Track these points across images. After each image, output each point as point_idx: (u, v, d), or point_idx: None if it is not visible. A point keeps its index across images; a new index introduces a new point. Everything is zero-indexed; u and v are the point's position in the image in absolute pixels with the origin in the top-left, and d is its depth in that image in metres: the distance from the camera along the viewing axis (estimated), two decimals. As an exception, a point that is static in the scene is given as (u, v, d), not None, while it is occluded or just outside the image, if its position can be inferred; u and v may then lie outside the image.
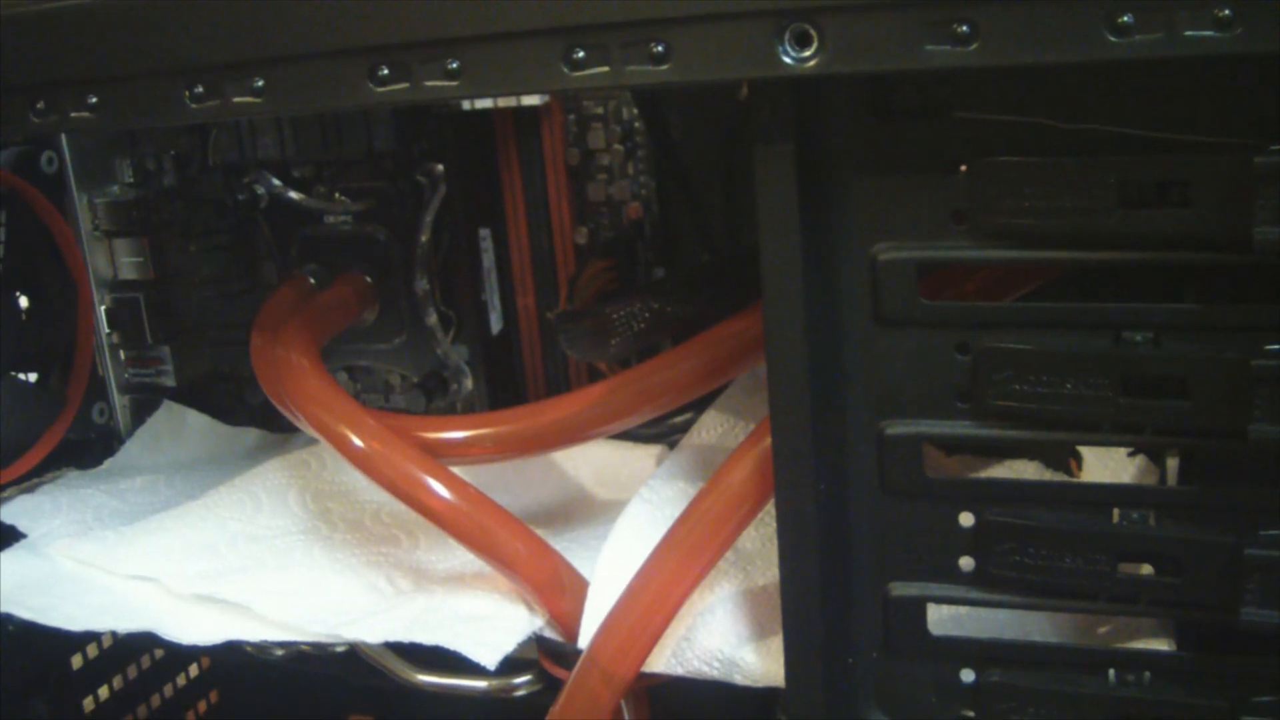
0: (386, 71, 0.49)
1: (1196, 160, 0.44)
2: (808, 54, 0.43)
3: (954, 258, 0.48)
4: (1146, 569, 0.50)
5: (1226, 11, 0.39)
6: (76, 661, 0.89)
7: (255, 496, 0.81)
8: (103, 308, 0.90)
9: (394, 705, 0.97)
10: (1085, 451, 0.66)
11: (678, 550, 0.58)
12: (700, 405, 0.72)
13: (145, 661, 0.94)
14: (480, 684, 0.70)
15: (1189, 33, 0.40)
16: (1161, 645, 0.54)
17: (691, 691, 0.62)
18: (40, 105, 0.55)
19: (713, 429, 0.73)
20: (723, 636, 0.60)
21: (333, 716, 1.02)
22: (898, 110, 0.48)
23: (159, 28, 0.52)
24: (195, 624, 0.71)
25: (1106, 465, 0.65)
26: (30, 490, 0.86)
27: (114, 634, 0.86)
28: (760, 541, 0.63)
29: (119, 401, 0.93)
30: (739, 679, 0.59)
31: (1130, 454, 0.64)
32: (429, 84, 0.49)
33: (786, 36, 0.43)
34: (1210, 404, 0.46)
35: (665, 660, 0.60)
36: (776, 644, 0.55)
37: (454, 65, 0.48)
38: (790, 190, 0.47)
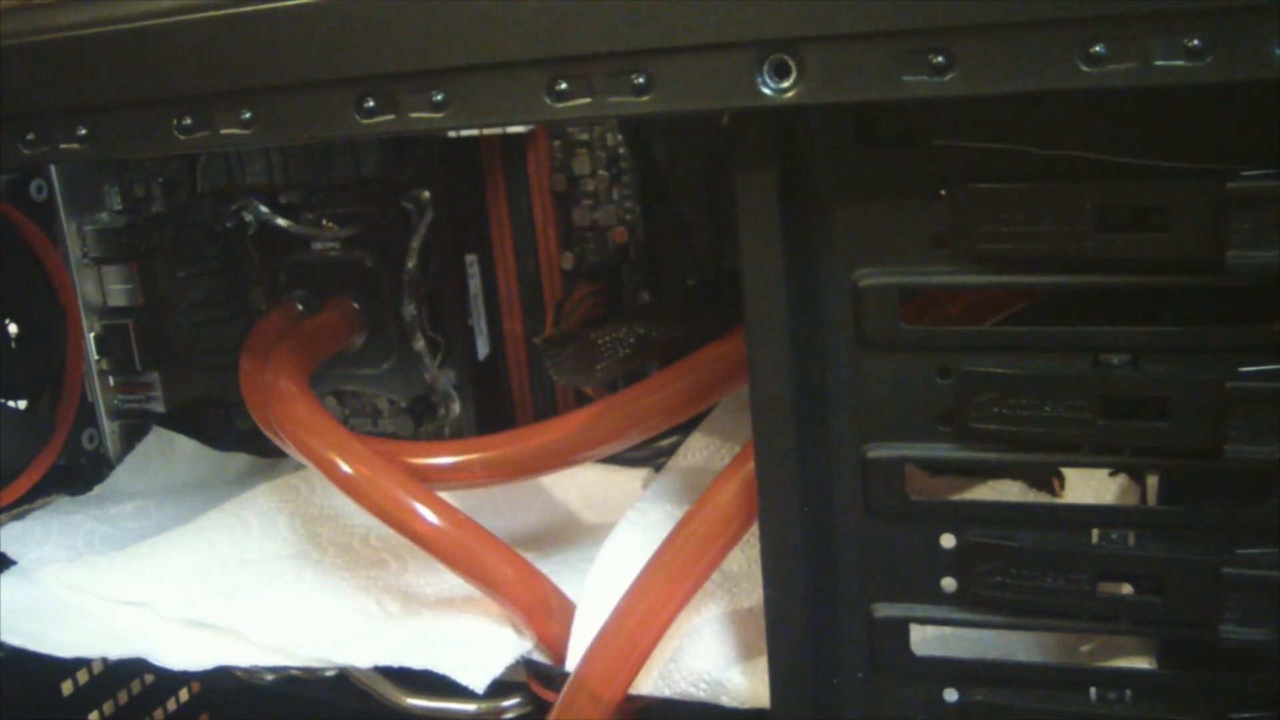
0: (373, 103, 0.50)
1: (1172, 186, 0.45)
2: (787, 84, 0.44)
3: (935, 283, 0.49)
4: (1127, 588, 0.50)
5: (1196, 42, 0.40)
6: (67, 688, 0.89)
7: (245, 521, 0.81)
8: (92, 334, 0.91)
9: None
10: (1068, 471, 0.67)
11: (664, 572, 0.59)
12: (686, 428, 0.73)
13: (135, 686, 0.94)
14: (469, 707, 0.70)
15: (1160, 62, 0.41)
16: (1143, 663, 0.54)
17: (679, 714, 0.63)
18: (30, 136, 0.56)
19: (698, 452, 0.73)
20: (709, 658, 0.60)
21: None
22: (879, 138, 0.49)
23: (147, 59, 0.52)
24: (186, 649, 0.71)
25: (1089, 484, 0.66)
26: (20, 516, 0.86)
27: (105, 660, 0.86)
28: (746, 563, 0.64)
29: (109, 427, 0.94)
30: (726, 700, 0.60)
31: (1112, 473, 0.65)
32: (415, 115, 0.49)
33: (766, 67, 0.44)
34: (1187, 425, 0.47)
35: (653, 682, 0.61)
36: (763, 665, 0.56)
37: (439, 97, 0.49)
38: (772, 217, 0.48)
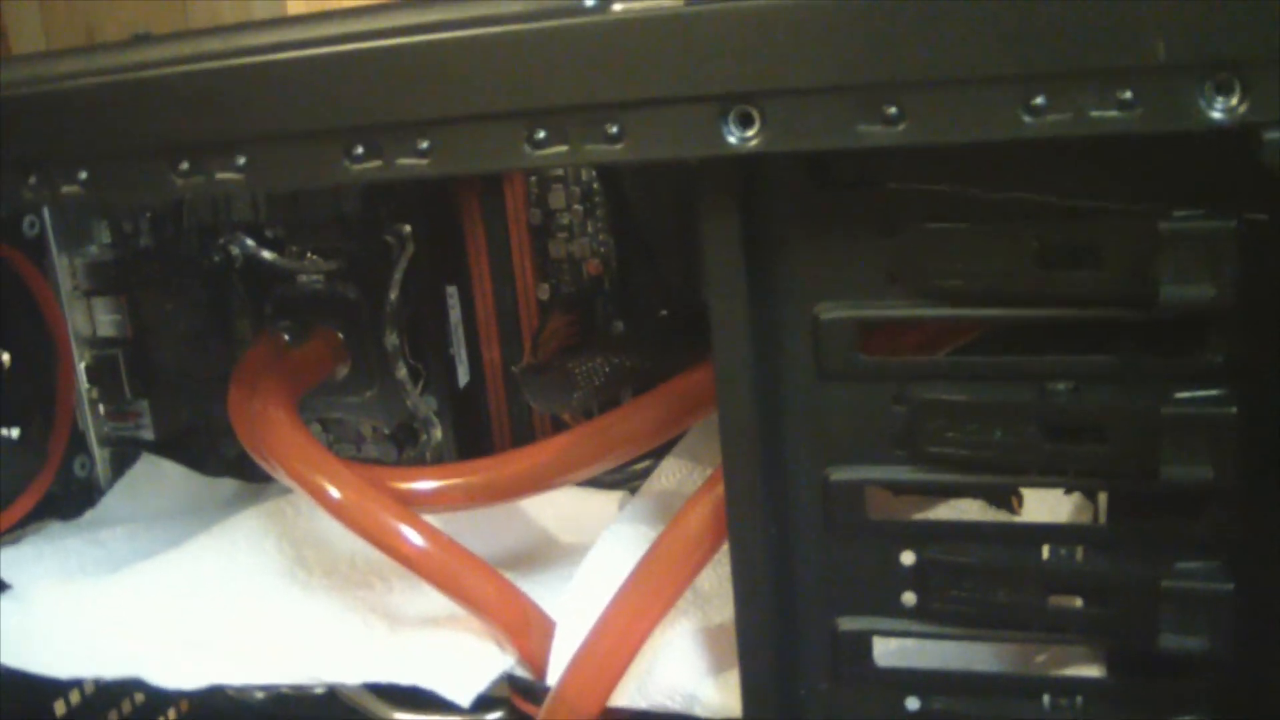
0: (361, 150, 0.52)
1: (1107, 226, 0.49)
2: (750, 134, 0.47)
3: (890, 316, 0.52)
4: (1077, 601, 0.54)
5: (1128, 94, 0.43)
6: (60, 708, 0.90)
7: (234, 544, 0.83)
8: (82, 364, 0.93)
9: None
10: (1026, 490, 0.70)
11: (640, 591, 0.62)
12: (660, 453, 0.76)
13: (126, 706, 0.96)
14: (455, 721, 0.73)
15: (1095, 113, 0.44)
16: (1093, 671, 0.57)
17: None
18: (32, 180, 0.58)
19: (671, 475, 0.76)
20: (683, 671, 0.63)
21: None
22: (836, 181, 0.52)
23: (148, 108, 0.55)
24: (178, 669, 0.74)
25: (1044, 501, 0.69)
26: (14, 541, 0.88)
27: (97, 680, 0.88)
28: (717, 581, 0.66)
29: (99, 454, 0.96)
30: (699, 711, 0.62)
31: (1066, 492, 0.68)
32: (401, 162, 0.52)
33: (730, 118, 0.47)
34: (1126, 448, 0.50)
35: (629, 695, 0.63)
36: (734, 678, 0.58)
37: (424, 145, 0.51)
38: (736, 256, 0.51)
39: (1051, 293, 0.50)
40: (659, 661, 0.63)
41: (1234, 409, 0.48)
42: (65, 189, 0.58)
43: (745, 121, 0.47)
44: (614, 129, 0.49)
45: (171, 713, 1.00)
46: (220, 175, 0.55)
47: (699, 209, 0.51)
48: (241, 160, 0.54)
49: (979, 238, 0.50)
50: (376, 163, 0.52)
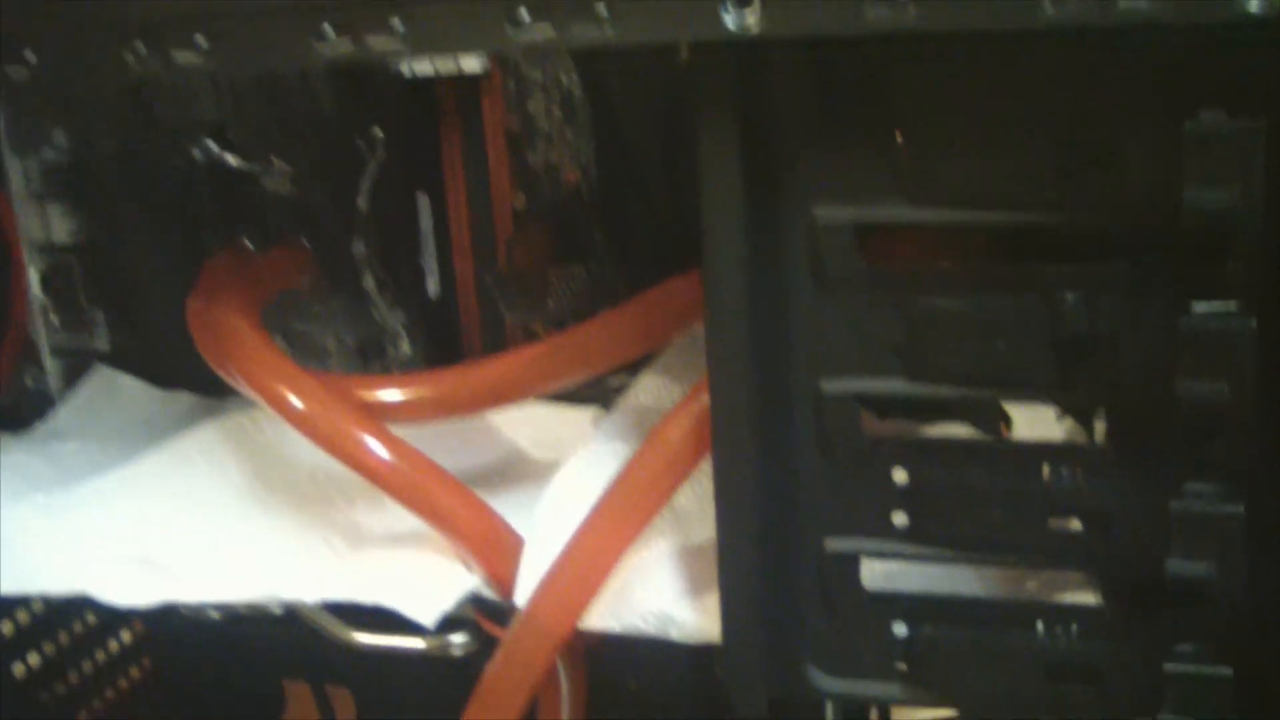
0: (331, 30, 0.49)
1: (1129, 128, 0.46)
2: (749, 15, 0.44)
3: (892, 220, 0.49)
4: (1076, 524, 0.51)
5: (1159, -21, 0.40)
6: (7, 628, 0.88)
7: (190, 459, 0.80)
8: (35, 271, 0.89)
9: (329, 672, 0.96)
10: (1015, 415, 0.67)
11: (615, 508, 0.59)
12: (637, 367, 0.73)
13: (77, 627, 0.93)
14: (417, 643, 0.70)
15: (1122, 2, 0.41)
16: (1087, 599, 0.55)
17: (628, 654, 0.63)
18: (-25, 63, 0.55)
19: (649, 391, 0.73)
20: (659, 593, 0.61)
21: (267, 684, 1.01)
22: (839, 76, 0.49)
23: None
24: (129, 586, 0.71)
25: (1034, 428, 0.66)
26: (-39, 455, 0.85)
27: (45, 599, 0.86)
28: (696, 499, 0.64)
29: (51, 366, 0.92)
30: (674, 634, 0.60)
31: (1059, 417, 0.65)
32: (373, 41, 0.49)
33: (729, -3, 0.44)
34: (1139, 362, 0.47)
35: (602, 617, 0.61)
36: (712, 600, 0.56)
37: (399, 24, 0.48)
38: (731, 153, 0.48)
39: (1067, 199, 0.47)
40: (633, 582, 0.61)
41: (1254, 323, 0.46)
42: (9, 68, 0.54)
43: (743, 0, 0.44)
44: (603, 8, 0.45)
45: (125, 634, 0.98)
46: (178, 56, 0.52)
47: (693, 101, 0.48)
48: (201, 40, 0.51)
49: (990, 135, 0.47)
50: (347, 43, 0.49)
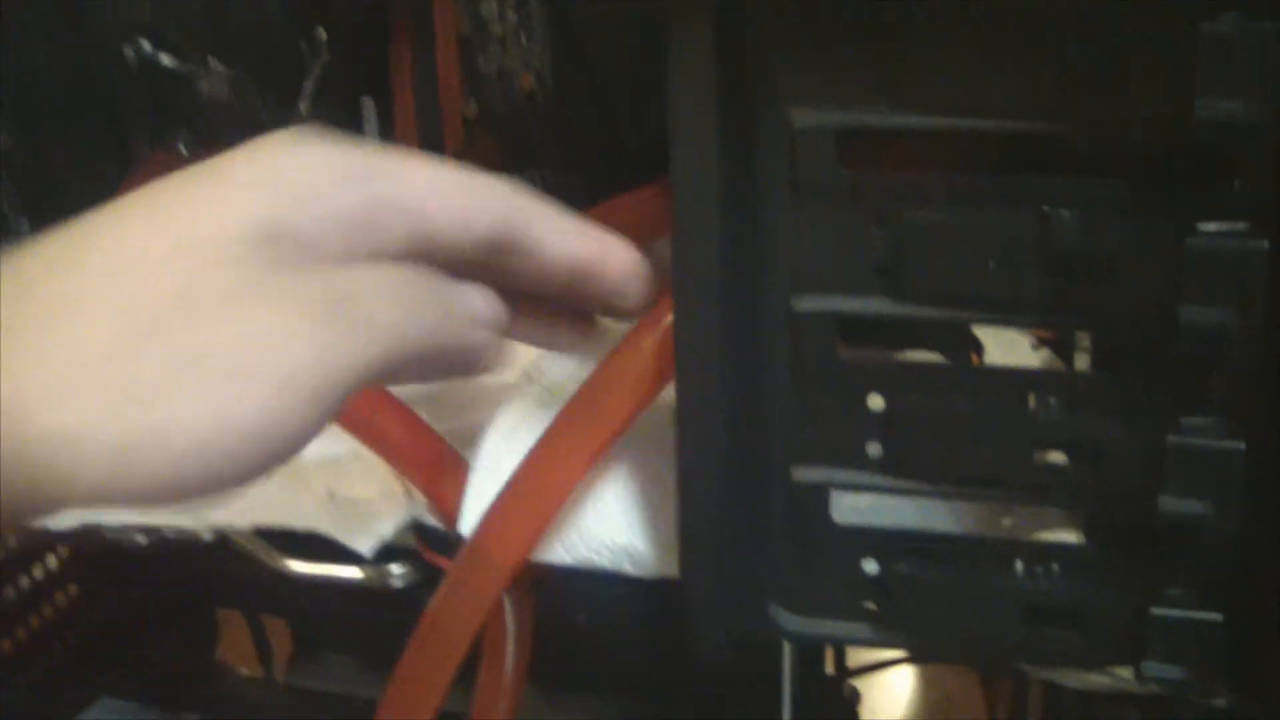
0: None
1: (1137, 36, 0.42)
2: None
3: (877, 125, 0.45)
4: (1060, 457, 0.48)
5: None
6: (-69, 553, 0.84)
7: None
8: (-41, 176, 0.85)
9: (264, 601, 0.93)
10: (989, 346, 0.64)
11: (568, 433, 0.55)
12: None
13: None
14: (355, 572, 0.67)
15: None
16: (1068, 537, 0.52)
17: (578, 587, 0.60)
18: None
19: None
20: (614, 525, 0.57)
21: (200, 612, 0.98)
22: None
23: None
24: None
25: (1010, 358, 0.63)
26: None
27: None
28: (657, 424, 0.61)
29: (-27, 275, 0.88)
30: (629, 568, 0.57)
31: (1035, 347, 0.62)
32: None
33: None
34: (1139, 285, 0.44)
35: (553, 549, 0.58)
36: (671, 534, 0.53)
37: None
38: (705, 50, 0.44)
39: (1066, 110, 0.43)
40: (587, 512, 0.58)
41: (1264, 243, 0.42)
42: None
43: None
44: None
45: (52, 559, 0.94)
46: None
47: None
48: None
49: (986, 44, 0.43)
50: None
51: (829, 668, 0.82)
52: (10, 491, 0.34)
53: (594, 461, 0.55)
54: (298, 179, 0.39)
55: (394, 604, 0.66)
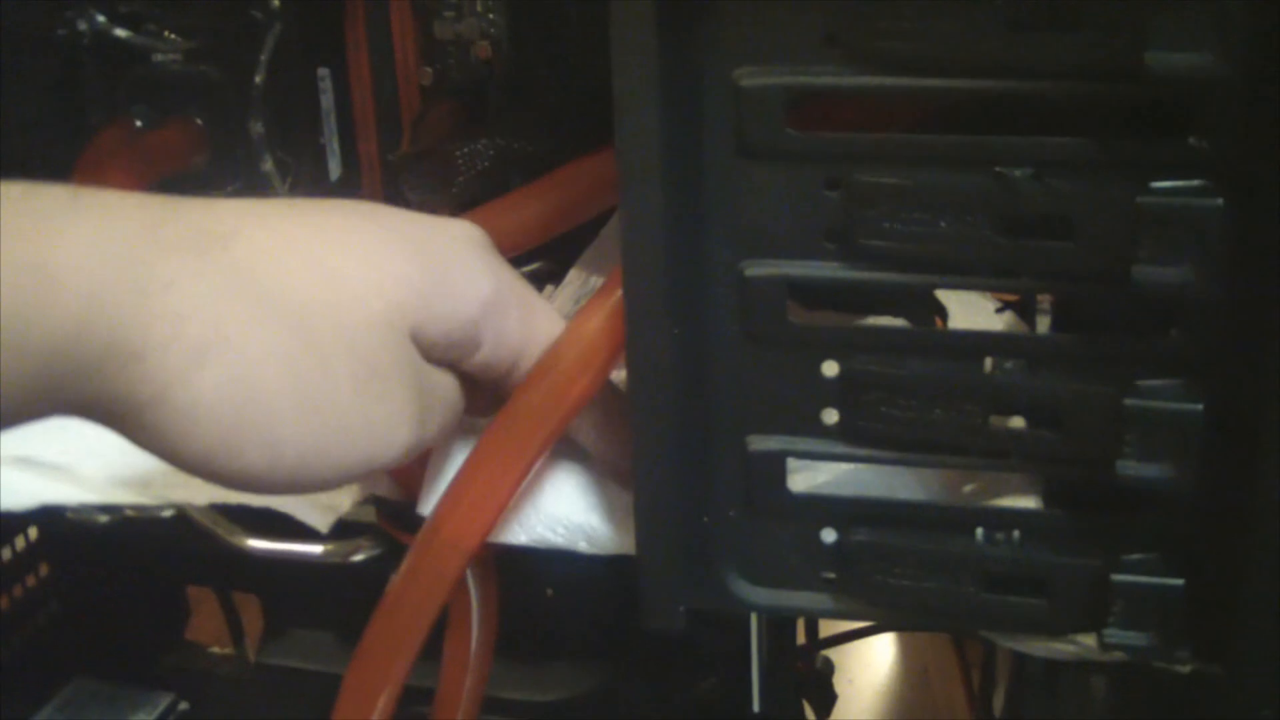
0: None
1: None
2: None
3: (824, 85, 0.44)
4: (1019, 422, 0.47)
5: None
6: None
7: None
8: (-94, 151, 0.84)
9: (233, 576, 0.93)
10: (953, 309, 0.63)
11: (524, 413, 0.54)
12: (552, 252, 0.68)
13: (-34, 535, 0.89)
14: (315, 549, 0.66)
15: None
16: (1029, 503, 0.51)
17: (544, 560, 0.59)
18: None
19: (573, 284, 0.69)
20: (570, 503, 0.56)
21: (170, 590, 0.98)
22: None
23: None
24: (8, 489, 0.66)
25: (973, 321, 0.62)
26: None
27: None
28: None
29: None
30: (584, 547, 0.56)
31: (998, 310, 0.61)
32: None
33: None
34: (1094, 244, 0.43)
35: (510, 529, 0.56)
36: (626, 511, 0.52)
37: None
38: (648, 11, 0.43)
39: (1017, 61, 0.42)
40: (543, 491, 0.56)
41: (1220, 201, 0.41)
42: None
43: None
44: None
45: (20, 541, 0.94)
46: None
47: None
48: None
49: (935, -8, 0.42)
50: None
51: (800, 638, 0.81)
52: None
53: (551, 440, 0.54)
54: (453, 293, 0.47)
55: (365, 579, 0.66)
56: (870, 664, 1.09)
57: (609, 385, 0.53)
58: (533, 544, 0.56)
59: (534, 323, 0.51)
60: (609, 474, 0.55)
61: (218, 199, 0.44)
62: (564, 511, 0.56)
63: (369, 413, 0.44)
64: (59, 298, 0.36)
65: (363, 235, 0.46)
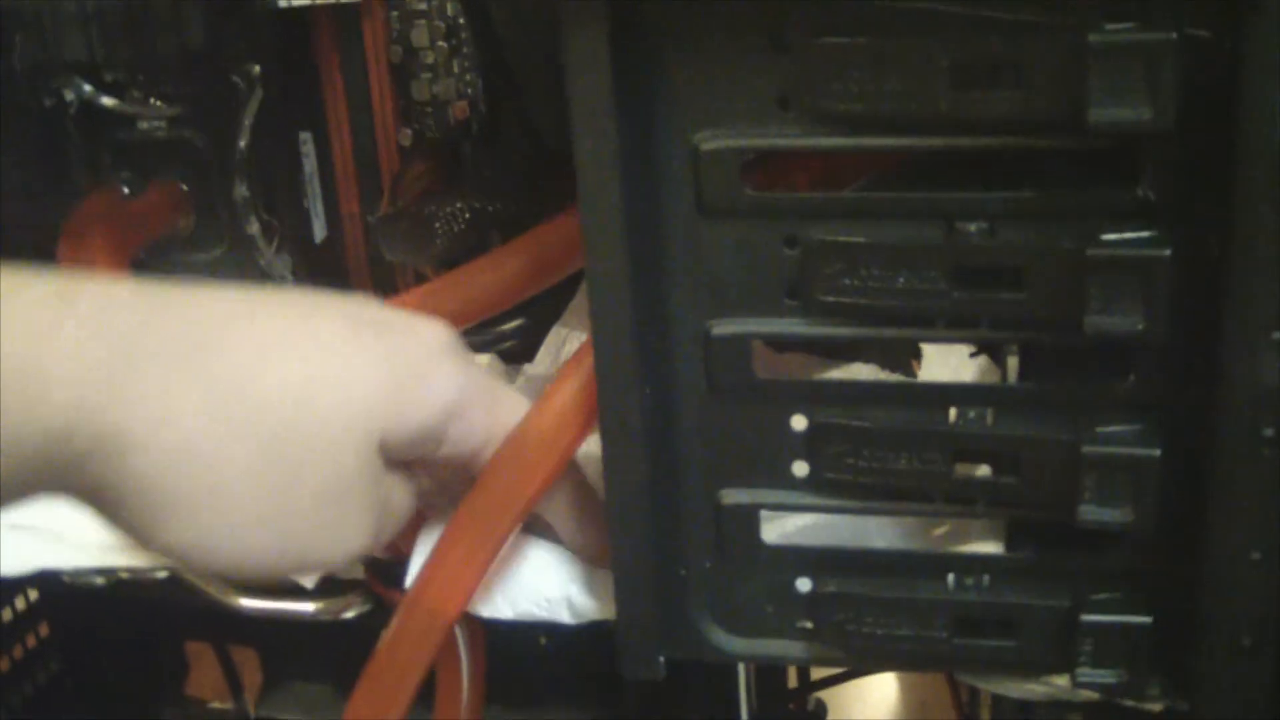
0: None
1: (1030, 39, 0.42)
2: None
3: (779, 146, 0.46)
4: (984, 469, 0.48)
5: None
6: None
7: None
8: (-102, 217, 0.85)
9: (230, 631, 0.93)
10: (926, 352, 0.64)
11: (499, 484, 0.54)
12: (529, 310, 0.69)
13: (-34, 599, 0.90)
14: (307, 606, 0.67)
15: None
16: (992, 547, 0.52)
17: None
18: None
19: (552, 344, 0.69)
20: (550, 575, 0.56)
21: (169, 646, 0.98)
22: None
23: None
24: (7, 554, 0.67)
25: (947, 364, 0.63)
26: None
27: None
28: (592, 467, 0.60)
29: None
30: (566, 617, 0.56)
31: (972, 354, 0.62)
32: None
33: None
34: (1046, 295, 0.44)
35: (496, 605, 0.57)
36: (605, 580, 0.53)
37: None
38: (604, 75, 0.44)
39: (965, 118, 0.43)
40: (523, 565, 0.57)
41: (1167, 251, 0.42)
42: None
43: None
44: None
45: (20, 601, 0.94)
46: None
47: (561, 18, 0.44)
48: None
49: (881, 54, 0.43)
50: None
51: (792, 681, 0.82)
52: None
53: (519, 519, 0.54)
54: (419, 399, 0.49)
55: (361, 633, 0.66)
56: (868, 700, 1.09)
57: (575, 468, 0.54)
58: (519, 618, 0.57)
59: (498, 416, 0.52)
60: (580, 555, 0.57)
61: (208, 291, 0.47)
62: (545, 585, 0.56)
63: (328, 523, 0.47)
64: (51, 397, 0.39)
65: (339, 344, 0.47)
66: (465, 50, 0.72)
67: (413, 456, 0.50)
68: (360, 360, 0.47)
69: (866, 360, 0.62)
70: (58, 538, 0.68)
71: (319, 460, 0.46)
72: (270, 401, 0.45)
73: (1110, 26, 0.41)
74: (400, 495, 0.51)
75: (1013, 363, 0.56)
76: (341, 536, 0.47)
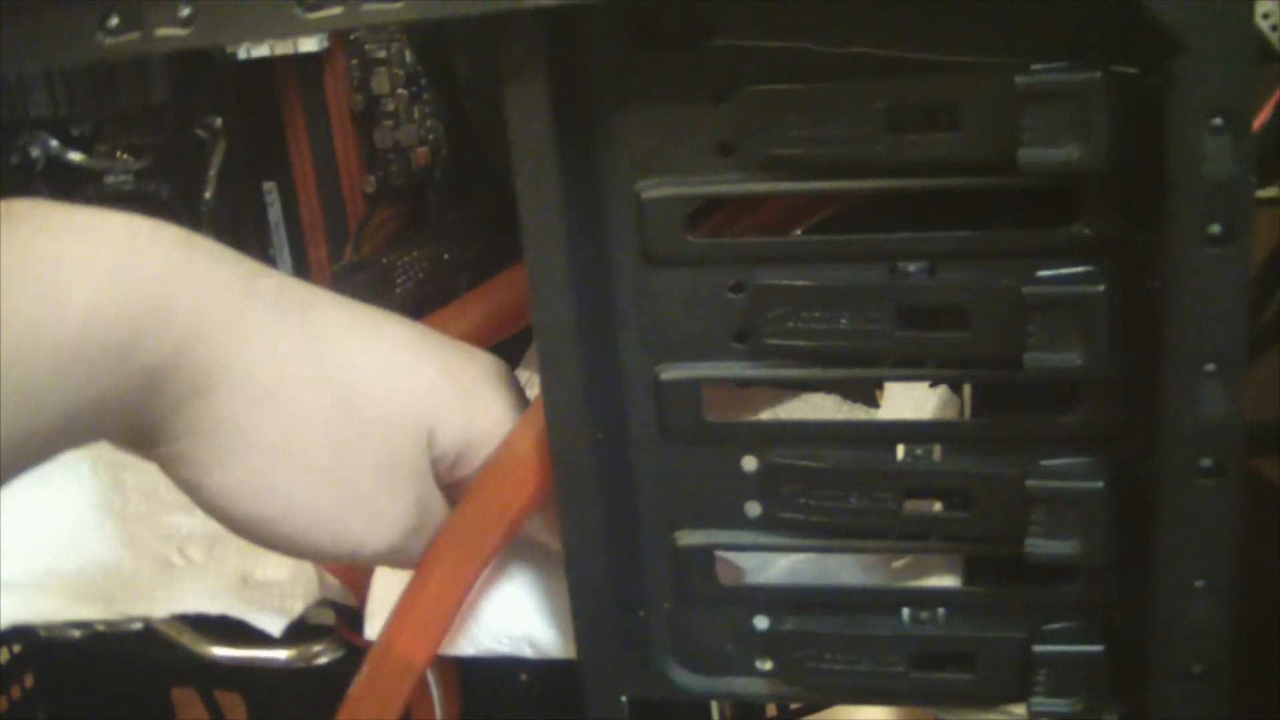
0: (117, 21, 0.46)
1: (962, 82, 0.43)
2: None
3: (720, 192, 0.46)
4: (932, 505, 0.49)
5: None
6: None
7: (45, 472, 0.76)
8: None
9: (215, 677, 0.94)
10: (888, 383, 0.65)
11: (463, 533, 0.54)
12: (498, 353, 0.69)
13: (-49, 650, 0.90)
14: (280, 654, 0.67)
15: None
16: (950, 581, 0.53)
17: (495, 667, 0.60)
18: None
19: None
20: (510, 611, 0.57)
21: (154, 693, 0.98)
22: (659, 39, 0.45)
23: None
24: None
25: (910, 395, 0.64)
26: None
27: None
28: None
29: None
30: (529, 653, 0.57)
31: (933, 385, 0.63)
32: (160, 33, 0.45)
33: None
34: (987, 333, 0.45)
35: (457, 643, 0.57)
36: (565, 615, 0.53)
37: (186, 12, 0.45)
38: (545, 127, 0.44)
39: (902, 160, 0.44)
40: (486, 604, 0.57)
41: (1102, 286, 0.43)
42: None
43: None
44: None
45: (4, 653, 0.95)
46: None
47: (501, 73, 0.44)
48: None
49: (818, 100, 0.44)
50: (134, 34, 0.46)
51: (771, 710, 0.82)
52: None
53: (491, 558, 0.55)
54: (473, 415, 0.51)
55: (341, 676, 0.67)
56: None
57: None
58: (480, 654, 0.57)
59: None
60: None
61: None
62: (505, 621, 0.57)
63: (374, 498, 0.49)
64: (170, 332, 0.42)
65: (414, 344, 0.51)
66: (425, 97, 0.72)
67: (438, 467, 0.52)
68: (427, 364, 0.51)
69: (829, 391, 0.62)
70: (27, 591, 0.68)
71: (386, 434, 0.49)
72: (353, 365, 0.48)
73: (1038, 68, 0.41)
74: (437, 502, 0.53)
75: (970, 393, 0.57)
76: (384, 517, 0.50)
